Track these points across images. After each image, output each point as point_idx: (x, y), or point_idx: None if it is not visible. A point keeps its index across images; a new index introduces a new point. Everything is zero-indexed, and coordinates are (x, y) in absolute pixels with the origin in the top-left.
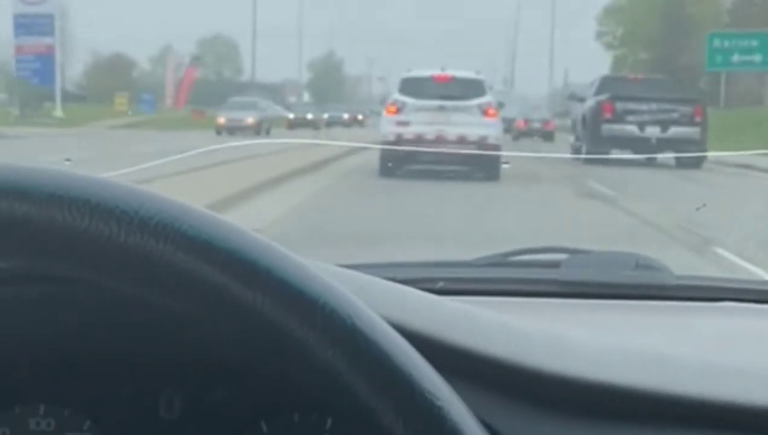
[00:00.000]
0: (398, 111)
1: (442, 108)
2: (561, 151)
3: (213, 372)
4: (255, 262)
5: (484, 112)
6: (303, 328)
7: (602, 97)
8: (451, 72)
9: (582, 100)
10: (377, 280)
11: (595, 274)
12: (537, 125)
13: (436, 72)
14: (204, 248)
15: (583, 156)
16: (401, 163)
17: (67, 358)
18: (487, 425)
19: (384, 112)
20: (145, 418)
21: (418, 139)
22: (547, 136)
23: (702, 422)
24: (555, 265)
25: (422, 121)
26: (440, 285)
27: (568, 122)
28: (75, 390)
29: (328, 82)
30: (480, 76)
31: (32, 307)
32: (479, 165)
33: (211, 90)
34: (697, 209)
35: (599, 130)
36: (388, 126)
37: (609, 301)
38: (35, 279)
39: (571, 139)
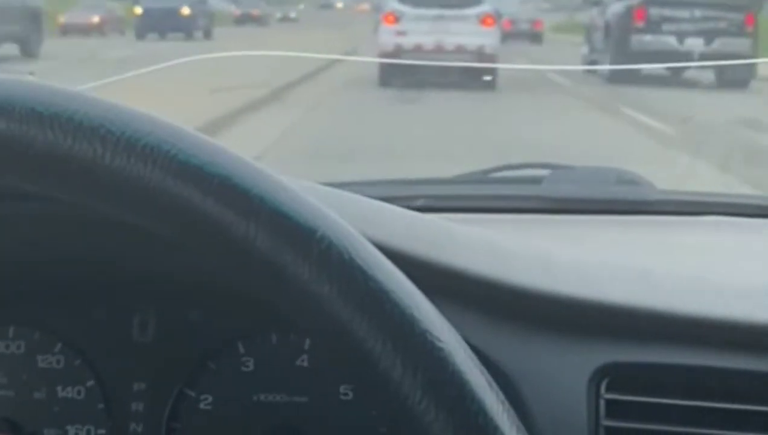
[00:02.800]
0: (396, 20)
1: (440, 17)
2: (552, 55)
3: (188, 294)
4: (249, 191)
5: (482, 21)
6: (298, 262)
7: (632, 0)
8: None
9: (598, 2)
10: (359, 197)
11: (577, 189)
12: (524, 26)
13: None
14: (195, 174)
15: (594, 67)
16: (401, 73)
17: (37, 280)
18: (471, 345)
19: (382, 21)
20: (118, 340)
21: (417, 49)
22: (536, 37)
23: (688, 339)
24: (537, 181)
25: (421, 31)
26: (420, 202)
27: (557, 20)
28: (45, 312)
29: None
30: None
31: (1, 225)
32: (477, 75)
33: None
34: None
35: (628, 42)
36: (386, 36)
37: (591, 216)
38: (5, 196)
39: (584, 50)
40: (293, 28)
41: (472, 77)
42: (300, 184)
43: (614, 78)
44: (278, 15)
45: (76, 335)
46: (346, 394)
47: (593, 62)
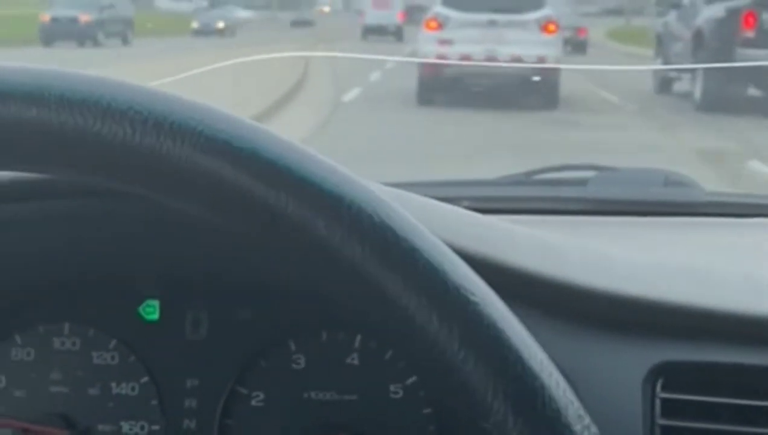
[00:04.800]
0: (440, 27)
1: (492, 23)
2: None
3: (240, 292)
4: (277, 161)
5: (544, 28)
6: (330, 226)
7: (736, 2)
8: None
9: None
10: (416, 196)
11: (624, 191)
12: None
13: None
14: (224, 148)
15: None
16: (444, 89)
17: (91, 277)
18: None
19: (423, 28)
20: (171, 338)
21: (464, 61)
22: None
23: (743, 338)
24: (582, 182)
25: (469, 39)
26: (465, 204)
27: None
28: (100, 310)
29: None
30: None
31: (56, 223)
32: (535, 90)
33: None
34: None
35: (730, 56)
36: (428, 45)
37: (638, 218)
38: (59, 194)
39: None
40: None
41: (528, 91)
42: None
43: (710, 103)
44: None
45: (130, 332)
46: (396, 393)
47: (670, 81)
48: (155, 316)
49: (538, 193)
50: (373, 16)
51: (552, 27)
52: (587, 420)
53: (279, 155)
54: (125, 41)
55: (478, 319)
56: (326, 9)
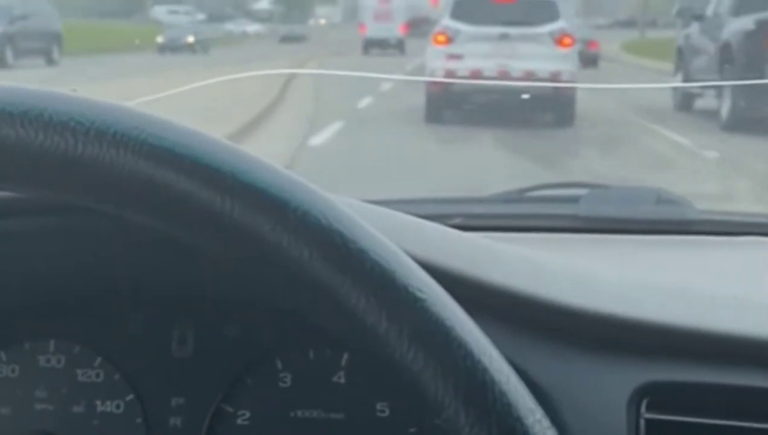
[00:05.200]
0: (449, 41)
1: (504, 37)
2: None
3: (227, 309)
4: (222, 166)
5: (558, 41)
6: (276, 229)
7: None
8: None
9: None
10: (398, 214)
11: (616, 209)
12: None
13: None
14: (166, 154)
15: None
16: (453, 106)
17: (76, 294)
18: (510, 362)
19: (431, 42)
20: (157, 355)
21: (475, 77)
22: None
23: (729, 358)
24: (574, 200)
25: (480, 54)
26: (457, 221)
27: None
28: (86, 326)
29: None
30: None
31: (41, 239)
32: (548, 106)
33: None
34: None
35: (762, 71)
36: (436, 60)
37: (630, 236)
38: (43, 210)
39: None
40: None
41: (543, 108)
42: (340, 200)
43: (738, 122)
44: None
45: (115, 350)
46: (382, 411)
47: (692, 97)
48: (141, 333)
49: (531, 211)
50: (374, 29)
51: (567, 40)
52: (539, 414)
53: (223, 160)
54: (50, 60)
55: (427, 317)
56: (322, 21)
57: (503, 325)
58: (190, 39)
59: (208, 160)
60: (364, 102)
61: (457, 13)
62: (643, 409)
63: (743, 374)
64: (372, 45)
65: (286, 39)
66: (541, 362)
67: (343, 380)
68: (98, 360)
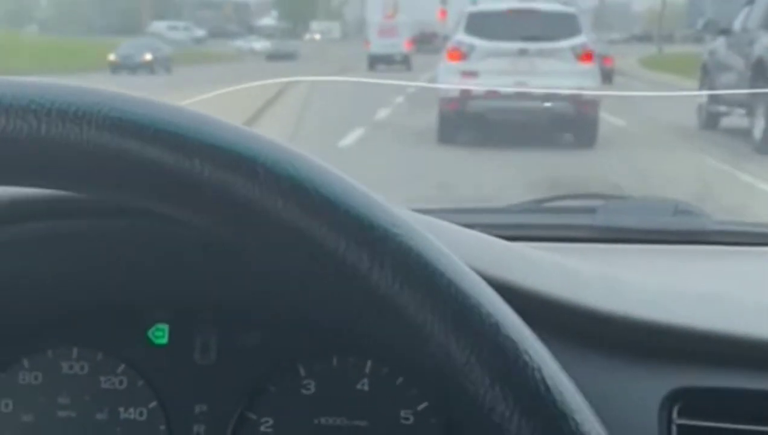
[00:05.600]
0: (463, 57)
1: (523, 52)
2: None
3: (249, 316)
4: (186, 132)
5: (581, 57)
6: (247, 184)
7: None
8: (532, 4)
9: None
10: (445, 223)
11: (633, 219)
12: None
13: (512, 4)
14: (131, 125)
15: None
16: (467, 125)
17: (99, 301)
18: None
19: (445, 58)
20: (180, 362)
21: (492, 96)
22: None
23: (760, 364)
24: (591, 211)
25: (496, 71)
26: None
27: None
28: (109, 334)
29: None
30: (571, 9)
31: (64, 245)
32: (570, 126)
33: (124, 7)
34: None
35: None
36: (449, 77)
37: (647, 245)
38: (65, 215)
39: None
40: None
41: (563, 128)
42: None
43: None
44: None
45: (138, 357)
46: (406, 419)
47: (718, 116)
48: (164, 340)
49: (548, 221)
50: (379, 45)
51: (589, 55)
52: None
53: (190, 127)
54: None
55: (407, 251)
56: (317, 37)
57: (535, 329)
58: (148, 57)
59: (172, 127)
60: (354, 135)
61: (472, 28)
62: (674, 414)
63: None
64: (377, 61)
65: (274, 56)
66: (573, 366)
67: (366, 388)
68: (121, 367)
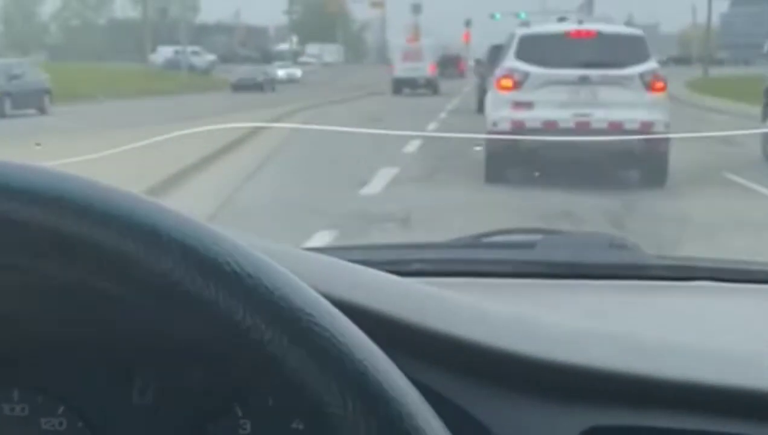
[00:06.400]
0: (516, 85)
1: (584, 80)
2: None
3: (187, 357)
4: (102, 205)
5: (650, 86)
6: (161, 261)
7: None
8: (593, 25)
9: None
10: (342, 262)
11: (570, 254)
12: None
13: (572, 26)
14: (52, 200)
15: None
16: (519, 162)
17: (39, 343)
18: (457, 407)
19: (494, 88)
20: (118, 403)
21: (549, 129)
22: None
23: (672, 403)
24: (530, 245)
25: (554, 102)
26: (414, 267)
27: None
28: (49, 376)
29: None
30: (638, 31)
31: (2, 288)
32: (637, 163)
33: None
34: None
35: None
36: (500, 109)
37: (583, 281)
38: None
39: None
40: None
41: (630, 165)
42: (281, 249)
43: None
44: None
45: (78, 398)
46: None
47: None
48: (102, 381)
49: (487, 256)
50: (403, 68)
51: (660, 84)
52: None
53: (101, 199)
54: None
55: (266, 289)
56: (312, 60)
57: (448, 371)
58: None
59: (77, 197)
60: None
61: (524, 52)
62: None
63: (685, 418)
64: (401, 85)
65: (239, 87)
66: (487, 407)
67: (302, 426)
68: (61, 408)
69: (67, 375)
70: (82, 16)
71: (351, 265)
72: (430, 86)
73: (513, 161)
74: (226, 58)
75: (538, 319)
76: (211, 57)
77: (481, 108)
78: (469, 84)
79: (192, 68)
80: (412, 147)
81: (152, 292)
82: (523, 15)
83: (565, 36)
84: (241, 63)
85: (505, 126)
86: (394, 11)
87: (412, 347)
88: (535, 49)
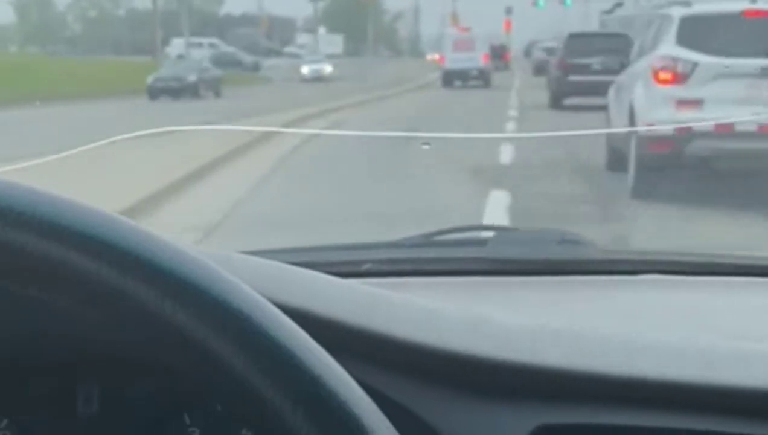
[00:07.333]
0: (679, 79)
1: (767, 72)
2: None
3: (132, 365)
4: (29, 209)
5: None
6: (136, 285)
7: None
8: None
9: None
10: (279, 264)
11: (521, 251)
12: None
13: (746, 5)
14: (22, 217)
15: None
16: (681, 173)
17: None
18: (405, 408)
19: (650, 81)
20: (63, 414)
21: (723, 134)
22: None
23: (621, 399)
24: (482, 243)
25: (729, 99)
26: (366, 267)
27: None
28: None
29: (351, 13)
30: None
31: None
32: None
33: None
34: None
35: None
36: (658, 108)
37: (535, 277)
38: None
39: None
40: None
41: None
42: (215, 255)
43: None
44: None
45: (21, 410)
46: None
47: None
48: (45, 393)
49: (440, 255)
50: (454, 59)
51: None
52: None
53: (51, 211)
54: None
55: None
56: (335, 52)
57: (395, 373)
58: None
59: (41, 214)
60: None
61: (687, 37)
62: None
63: (635, 414)
64: (452, 76)
65: (159, 91)
66: (435, 407)
67: (251, 433)
68: (4, 422)
69: (8, 388)
70: (100, 7)
71: (291, 267)
72: (483, 78)
73: (673, 172)
74: (250, 51)
75: (487, 318)
76: (230, 50)
77: (555, 104)
78: (517, 76)
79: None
80: (506, 155)
81: (92, 300)
82: (568, 2)
83: (740, 16)
84: (265, 56)
85: (667, 130)
86: (426, 1)
87: (356, 350)
88: (701, 33)
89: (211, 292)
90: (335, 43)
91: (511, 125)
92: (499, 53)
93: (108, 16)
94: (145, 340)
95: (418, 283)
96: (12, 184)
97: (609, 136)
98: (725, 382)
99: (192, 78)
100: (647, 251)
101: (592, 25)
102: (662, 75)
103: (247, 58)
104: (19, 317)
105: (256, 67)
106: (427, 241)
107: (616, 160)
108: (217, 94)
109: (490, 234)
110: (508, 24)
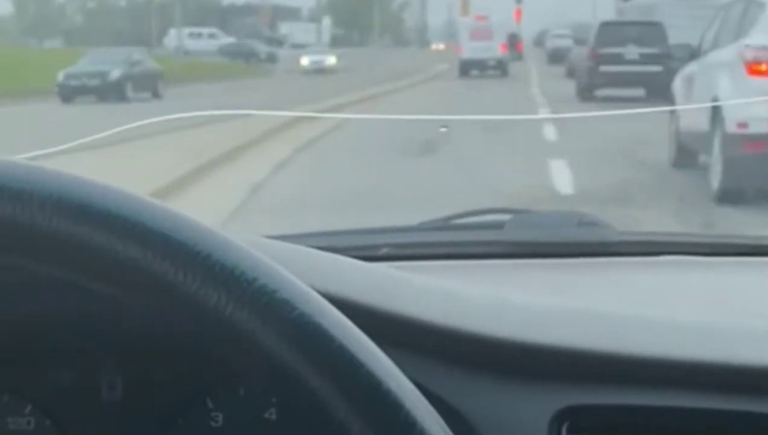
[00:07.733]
0: None
1: None
2: None
3: (155, 351)
4: (87, 199)
5: None
6: (178, 273)
7: None
8: None
9: None
10: (305, 249)
11: (539, 233)
12: None
13: None
14: (55, 201)
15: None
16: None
17: (3, 343)
18: (429, 392)
19: (743, 72)
20: (87, 400)
21: None
22: None
23: (646, 380)
24: (499, 226)
25: None
26: (384, 251)
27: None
28: (14, 375)
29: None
30: None
31: None
32: None
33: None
34: None
35: None
36: (752, 105)
37: (553, 259)
38: None
39: None
40: None
41: None
42: (243, 238)
43: None
44: None
45: (45, 396)
46: None
47: None
48: (69, 379)
49: (457, 238)
50: (472, 48)
51: None
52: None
53: (89, 193)
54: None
55: (352, 367)
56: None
57: (420, 356)
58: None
59: (78, 198)
60: None
61: None
62: (563, 432)
63: (660, 395)
64: (470, 66)
65: (72, 92)
66: (460, 390)
67: (274, 417)
68: (28, 407)
69: (33, 373)
70: None
71: (316, 251)
72: (500, 67)
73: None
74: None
75: (508, 300)
76: (230, 40)
77: (584, 95)
78: (532, 65)
79: (201, 54)
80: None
81: (119, 283)
82: None
83: None
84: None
85: (762, 128)
86: None
87: (379, 332)
88: None
89: (241, 271)
90: (308, 31)
91: (549, 127)
92: (513, 43)
93: (108, 7)
94: (186, 329)
95: (436, 266)
96: (60, 174)
97: (677, 131)
98: (747, 362)
99: (115, 74)
100: (666, 233)
101: (603, 14)
102: (754, 67)
103: (262, 49)
104: (44, 303)
105: (272, 59)
106: (445, 224)
107: (686, 157)
108: (156, 94)
109: (507, 217)
110: (519, 13)
